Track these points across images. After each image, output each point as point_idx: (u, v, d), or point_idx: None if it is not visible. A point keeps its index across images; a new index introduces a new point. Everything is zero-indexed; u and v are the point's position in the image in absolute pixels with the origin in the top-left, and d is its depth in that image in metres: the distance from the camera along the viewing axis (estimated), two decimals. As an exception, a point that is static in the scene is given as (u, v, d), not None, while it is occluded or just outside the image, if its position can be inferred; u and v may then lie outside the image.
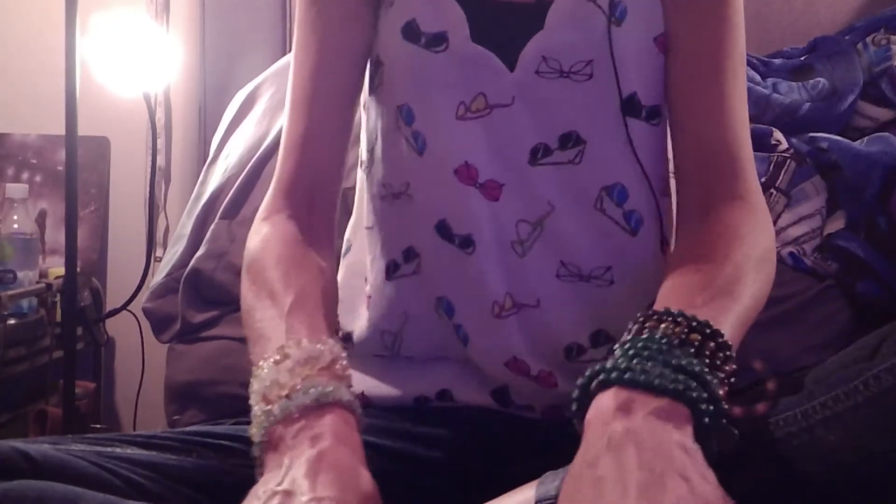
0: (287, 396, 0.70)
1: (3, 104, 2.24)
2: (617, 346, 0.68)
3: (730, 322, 0.72)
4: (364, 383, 0.95)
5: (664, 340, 0.67)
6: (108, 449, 0.75)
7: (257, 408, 0.71)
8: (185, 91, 2.13)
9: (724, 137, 0.87)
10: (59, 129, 1.72)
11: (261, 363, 0.74)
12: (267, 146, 1.62)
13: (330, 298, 0.86)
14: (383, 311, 0.95)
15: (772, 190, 1.44)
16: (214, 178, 1.68)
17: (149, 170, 2.07)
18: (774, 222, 1.42)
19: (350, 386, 0.73)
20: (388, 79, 0.93)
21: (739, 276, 0.77)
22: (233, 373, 1.44)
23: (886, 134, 1.48)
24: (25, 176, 2.21)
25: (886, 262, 1.38)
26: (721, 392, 0.65)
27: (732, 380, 0.67)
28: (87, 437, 0.77)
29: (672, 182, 0.94)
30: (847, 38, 1.64)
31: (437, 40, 0.89)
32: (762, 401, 0.69)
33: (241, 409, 1.45)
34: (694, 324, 0.68)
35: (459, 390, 0.91)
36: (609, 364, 0.66)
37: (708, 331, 0.68)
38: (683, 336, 0.67)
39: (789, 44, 1.70)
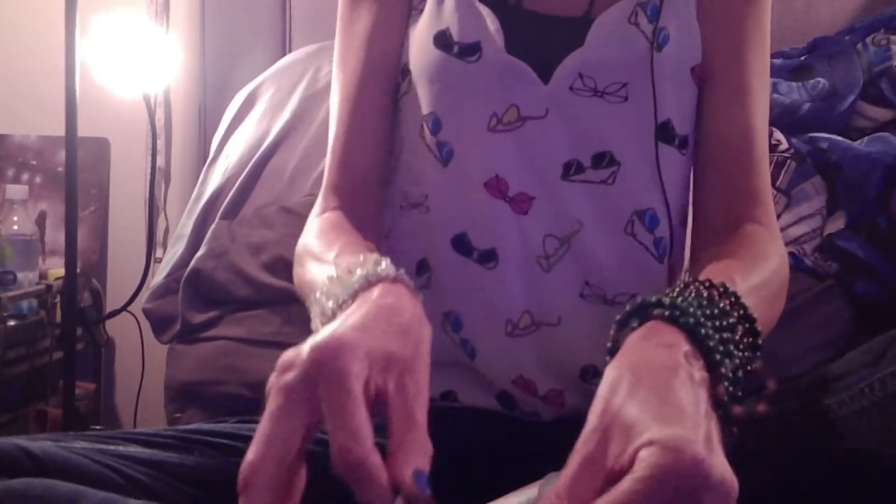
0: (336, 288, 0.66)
1: (2, 105, 2.24)
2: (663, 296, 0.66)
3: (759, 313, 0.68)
4: None
5: (710, 303, 0.63)
6: (111, 447, 0.75)
7: (316, 321, 0.67)
8: (184, 91, 2.13)
9: (751, 166, 0.88)
10: (59, 130, 1.72)
11: (315, 297, 0.69)
12: (267, 146, 1.62)
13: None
14: None
15: (772, 190, 1.44)
16: (214, 179, 1.68)
17: (149, 170, 2.07)
18: (775, 222, 1.42)
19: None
20: (415, 87, 0.93)
21: (769, 285, 0.77)
22: (233, 373, 1.44)
23: (886, 134, 1.48)
24: (25, 177, 2.21)
25: (887, 263, 1.38)
26: (742, 369, 0.62)
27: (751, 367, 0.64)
28: (89, 435, 0.77)
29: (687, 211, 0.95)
30: (847, 38, 1.64)
31: (471, 50, 0.89)
32: (762, 401, 0.69)
33: (241, 409, 1.46)
34: (733, 299, 0.65)
35: (465, 392, 0.91)
36: (654, 300, 0.63)
37: (743, 311, 0.64)
38: (727, 308, 0.63)
39: (789, 44, 1.70)
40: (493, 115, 0.88)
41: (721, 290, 0.64)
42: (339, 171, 0.94)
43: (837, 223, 1.44)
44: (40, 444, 0.70)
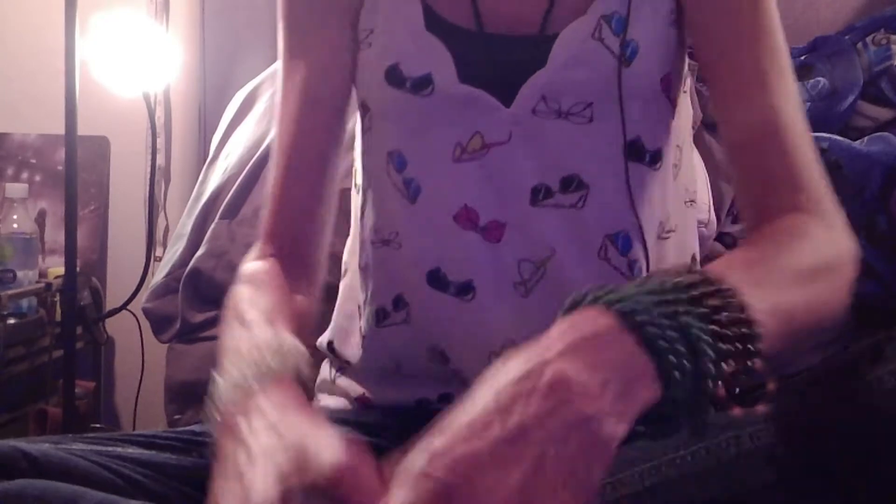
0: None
1: (2, 104, 2.24)
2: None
3: (764, 301, 0.60)
4: (365, 385, 0.95)
5: (671, 285, 0.56)
6: (110, 448, 0.75)
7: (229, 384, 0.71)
8: (184, 91, 2.13)
9: (784, 151, 0.79)
10: (59, 128, 1.72)
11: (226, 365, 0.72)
12: (267, 146, 1.62)
13: (302, 317, 0.84)
14: (377, 354, 0.94)
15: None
16: (214, 178, 1.68)
17: (148, 169, 2.07)
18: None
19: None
20: (376, 124, 0.91)
21: (788, 264, 0.69)
22: (233, 372, 1.44)
23: (886, 134, 1.49)
24: (25, 175, 2.21)
25: (886, 262, 1.38)
26: (716, 365, 0.54)
27: (751, 364, 0.57)
28: (87, 437, 0.77)
29: (673, 222, 0.91)
30: (847, 37, 1.64)
31: (423, 83, 0.85)
32: (762, 402, 0.69)
33: (240, 409, 1.46)
34: (710, 279, 0.57)
35: (463, 395, 0.91)
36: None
37: (726, 291, 0.56)
38: (695, 289, 0.56)
39: (789, 43, 1.67)
40: (457, 145, 0.85)
41: (694, 275, 0.57)
42: (277, 215, 0.90)
43: (837, 223, 1.44)
44: (38, 446, 0.70)
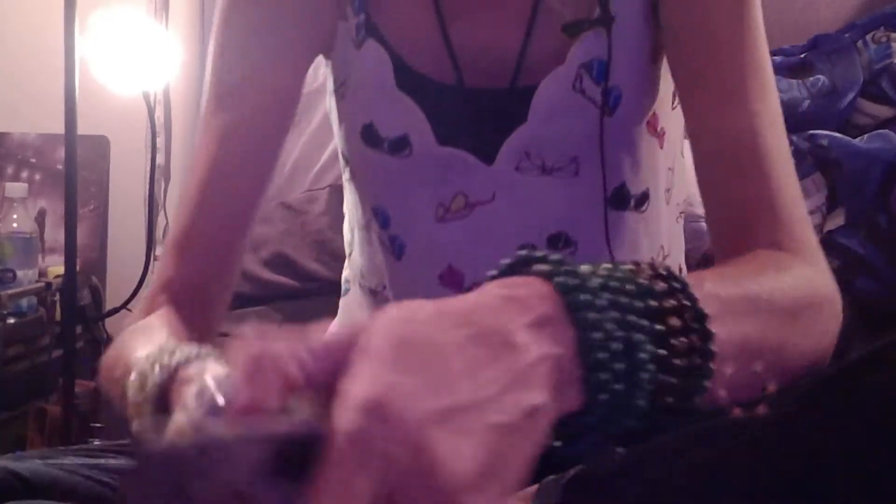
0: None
1: (2, 103, 2.24)
2: None
3: (733, 333, 0.53)
4: None
5: (636, 285, 0.48)
6: (100, 461, 0.73)
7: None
8: (184, 89, 2.13)
9: (760, 179, 0.71)
10: (59, 128, 1.71)
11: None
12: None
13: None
14: None
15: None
16: (214, 177, 1.68)
17: (148, 168, 2.07)
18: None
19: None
20: (357, 178, 0.87)
21: (769, 296, 0.59)
22: (233, 370, 1.44)
23: (886, 131, 1.49)
24: (25, 175, 2.21)
25: (886, 259, 1.38)
26: (651, 397, 0.47)
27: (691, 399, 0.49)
28: (78, 449, 0.76)
29: (666, 248, 0.88)
30: (847, 35, 1.64)
31: (400, 145, 0.81)
32: (762, 402, 0.68)
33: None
34: (664, 273, 0.49)
35: None
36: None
37: (676, 284, 0.49)
38: (659, 299, 0.48)
39: (789, 41, 1.70)
40: (439, 205, 0.82)
41: (661, 273, 0.49)
42: (178, 263, 0.80)
43: (837, 220, 1.44)
44: (27, 463, 0.69)
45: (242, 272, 1.50)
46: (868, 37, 1.62)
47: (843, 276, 1.39)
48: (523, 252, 0.49)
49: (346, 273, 1.01)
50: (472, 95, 0.81)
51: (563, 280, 0.45)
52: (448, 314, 0.42)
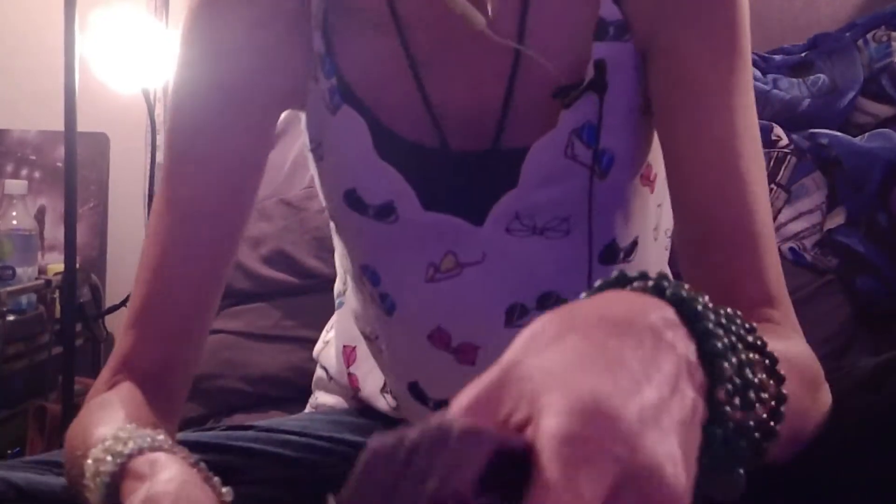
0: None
1: (2, 101, 2.24)
2: None
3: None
4: (364, 391, 0.96)
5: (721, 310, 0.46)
6: None
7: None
8: (184, 88, 2.13)
9: (749, 251, 0.69)
10: (59, 125, 1.71)
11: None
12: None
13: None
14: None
15: (772, 185, 1.44)
16: (214, 174, 1.67)
17: (148, 166, 2.06)
18: (774, 218, 1.42)
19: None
20: (344, 236, 0.86)
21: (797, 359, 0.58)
22: (231, 366, 1.44)
23: (887, 130, 1.48)
24: (24, 172, 2.21)
25: (886, 258, 1.38)
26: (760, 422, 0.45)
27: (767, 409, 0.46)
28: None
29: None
30: (847, 34, 1.64)
31: (386, 211, 0.78)
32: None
33: (239, 404, 1.46)
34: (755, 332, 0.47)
35: None
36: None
37: (764, 350, 0.47)
38: (752, 333, 0.46)
39: (790, 40, 1.70)
40: (429, 265, 0.80)
41: (739, 315, 0.47)
42: (137, 342, 0.76)
43: (837, 219, 1.44)
44: (22, 474, 0.69)
45: (242, 269, 1.50)
46: (868, 36, 1.62)
47: (843, 275, 1.39)
48: (616, 273, 0.47)
49: (337, 286, 1.00)
50: (458, 158, 0.78)
51: (673, 291, 0.44)
52: (592, 323, 0.40)
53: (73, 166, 1.69)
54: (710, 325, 0.43)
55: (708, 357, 0.42)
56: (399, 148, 0.78)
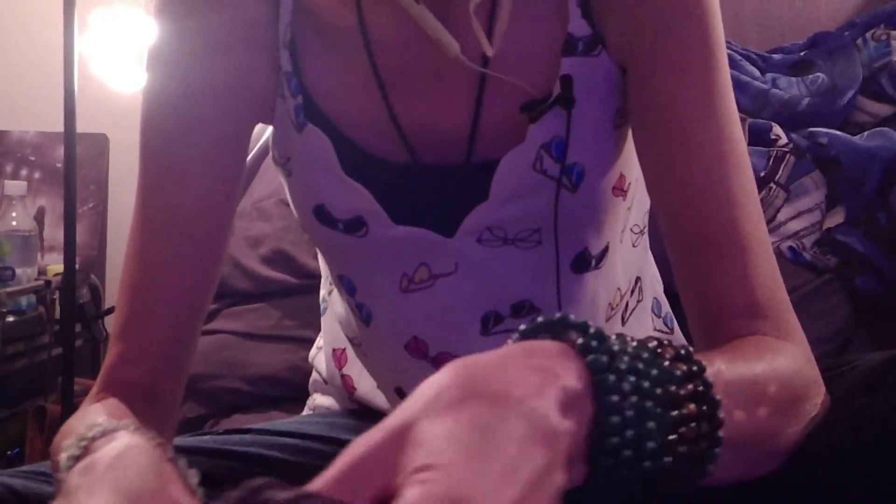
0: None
1: (1, 101, 2.24)
2: None
3: (737, 423, 0.53)
4: (360, 390, 0.96)
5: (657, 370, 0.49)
6: None
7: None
8: (184, 88, 2.13)
9: (736, 259, 0.68)
10: (58, 126, 1.71)
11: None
12: (265, 140, 1.62)
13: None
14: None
15: (771, 184, 1.44)
16: (213, 174, 1.67)
17: (148, 167, 2.07)
18: (774, 217, 1.42)
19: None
20: (320, 250, 0.87)
21: (763, 380, 0.59)
22: (231, 366, 1.43)
23: (886, 129, 1.48)
24: (24, 173, 2.21)
25: (886, 257, 1.38)
26: (666, 429, 0.47)
27: (698, 434, 0.49)
28: None
29: (634, 275, 0.88)
30: (847, 33, 1.63)
31: (356, 226, 0.79)
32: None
33: (238, 404, 1.46)
34: (684, 354, 0.50)
35: None
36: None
37: (695, 368, 0.50)
38: (679, 385, 0.49)
39: (789, 39, 1.70)
40: (403, 276, 0.80)
41: (682, 354, 0.50)
42: (123, 358, 0.75)
43: (837, 217, 1.44)
44: (22, 481, 0.69)
45: (241, 269, 1.50)
46: (868, 35, 1.61)
47: (843, 274, 1.39)
48: (540, 320, 0.50)
49: (322, 291, 1.00)
50: (428, 173, 0.78)
51: (594, 359, 0.46)
52: (487, 397, 0.43)
53: (72, 167, 1.69)
54: (615, 399, 0.45)
55: (602, 429, 0.45)
56: (367, 164, 0.78)
